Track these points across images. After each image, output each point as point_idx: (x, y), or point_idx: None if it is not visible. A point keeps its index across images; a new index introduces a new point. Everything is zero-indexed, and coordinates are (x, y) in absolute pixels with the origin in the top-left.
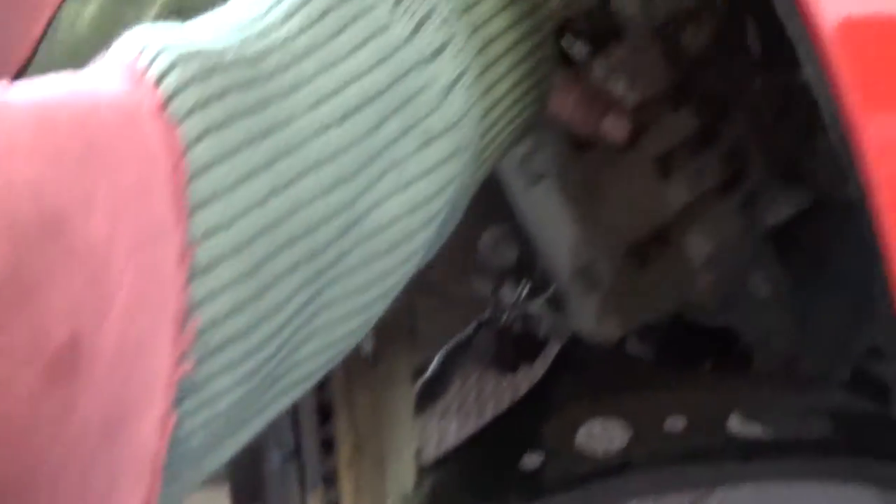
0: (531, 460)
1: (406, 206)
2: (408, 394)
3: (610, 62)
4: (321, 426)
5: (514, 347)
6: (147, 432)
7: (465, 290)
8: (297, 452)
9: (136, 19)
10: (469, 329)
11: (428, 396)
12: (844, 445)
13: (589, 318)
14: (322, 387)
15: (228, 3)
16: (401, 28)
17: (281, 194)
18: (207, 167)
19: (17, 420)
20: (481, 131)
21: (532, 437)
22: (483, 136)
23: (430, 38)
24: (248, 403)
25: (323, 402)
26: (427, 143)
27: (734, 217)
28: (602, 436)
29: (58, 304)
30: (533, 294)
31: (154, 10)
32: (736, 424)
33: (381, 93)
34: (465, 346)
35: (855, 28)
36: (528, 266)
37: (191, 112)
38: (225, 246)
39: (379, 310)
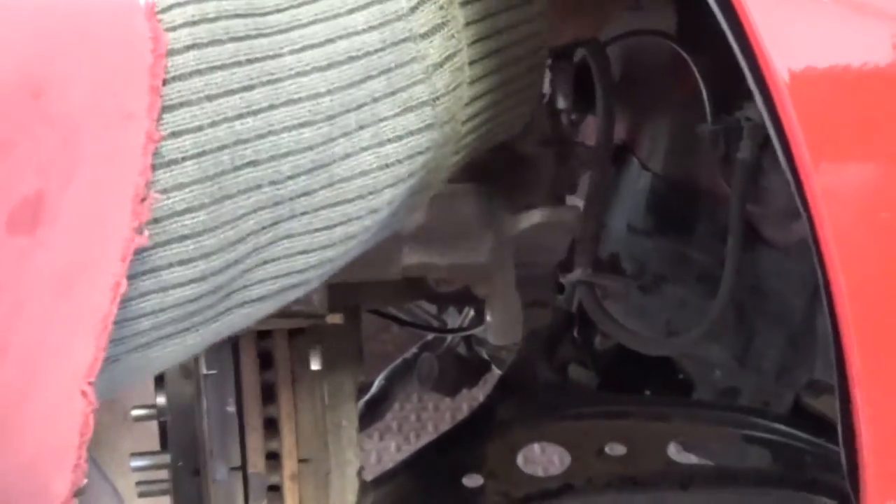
0: (471, 481)
1: (378, 162)
2: (353, 411)
3: None
4: (266, 440)
5: (457, 370)
6: (100, 294)
7: (410, 312)
8: (242, 466)
9: None
10: (412, 350)
11: (370, 415)
12: (782, 477)
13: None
14: (268, 401)
15: None
16: (403, 2)
17: (253, 117)
18: (185, 77)
19: None
20: (465, 117)
21: (473, 459)
22: (466, 121)
23: (426, 17)
24: (198, 308)
25: (269, 417)
26: (408, 109)
27: None
28: (542, 459)
29: (28, 160)
30: (478, 319)
31: None
32: (675, 453)
33: (369, 54)
34: (408, 368)
35: (807, 79)
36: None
37: (181, 26)
38: (190, 147)
39: (338, 255)
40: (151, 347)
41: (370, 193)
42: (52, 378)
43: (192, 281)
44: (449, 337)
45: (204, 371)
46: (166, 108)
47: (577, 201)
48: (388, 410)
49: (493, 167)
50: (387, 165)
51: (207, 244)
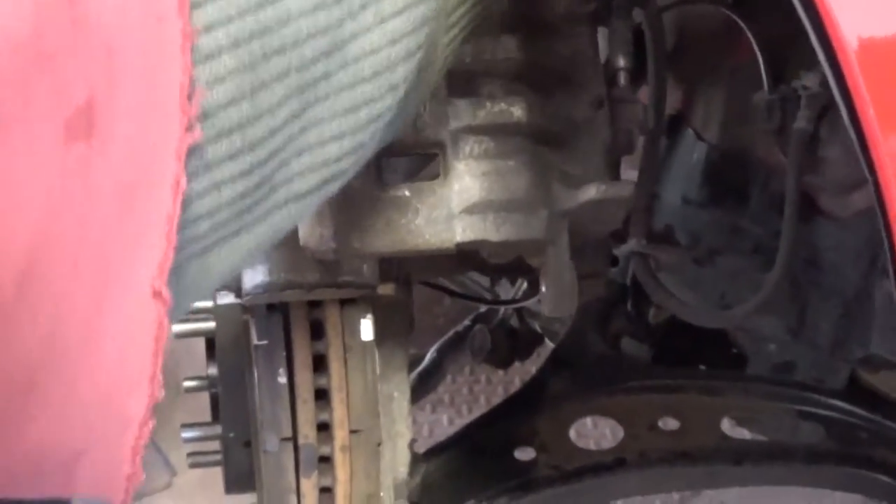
0: (523, 454)
1: (386, 38)
2: (404, 382)
3: None
4: (317, 411)
5: (509, 343)
6: (162, 195)
7: (462, 284)
8: (293, 437)
9: None
10: (465, 323)
11: (421, 388)
12: (835, 453)
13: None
14: (319, 372)
15: None
16: None
17: (272, 6)
18: None
19: (41, 177)
20: (449, 8)
21: (524, 432)
22: (450, 13)
23: None
24: (249, 205)
25: (319, 387)
26: None
27: None
28: (594, 433)
29: (75, 69)
30: (530, 290)
31: None
32: (728, 428)
33: None
34: (460, 340)
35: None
36: (527, 263)
37: None
38: (224, 39)
39: (368, 138)
40: (210, 253)
41: (386, 70)
42: (125, 287)
43: (241, 175)
44: (501, 309)
45: (255, 341)
46: (194, 6)
47: (632, 174)
48: (439, 383)
49: (548, 136)
50: (394, 41)
51: (252, 135)
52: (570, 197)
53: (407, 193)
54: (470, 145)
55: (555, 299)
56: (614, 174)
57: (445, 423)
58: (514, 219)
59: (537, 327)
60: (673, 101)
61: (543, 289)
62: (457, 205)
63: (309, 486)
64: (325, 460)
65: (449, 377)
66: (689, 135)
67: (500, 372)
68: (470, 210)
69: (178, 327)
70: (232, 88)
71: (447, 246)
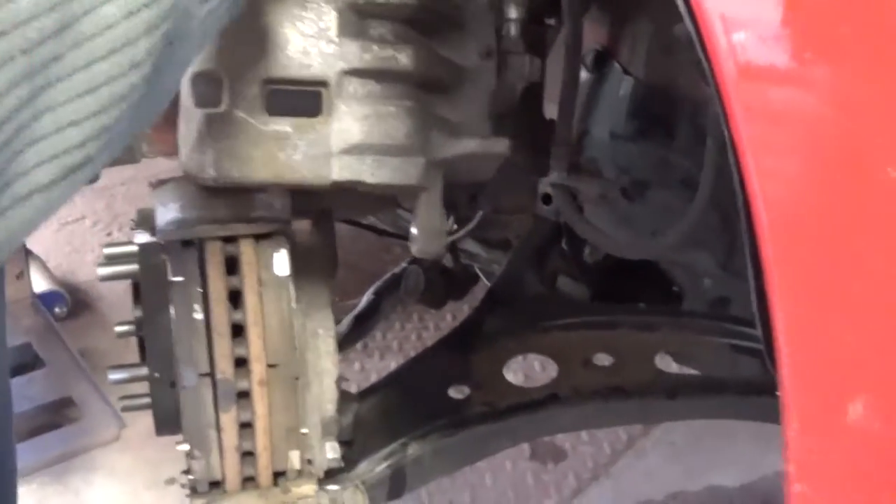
0: (458, 392)
1: (122, 11)
2: (328, 319)
3: None
4: (234, 346)
5: (444, 283)
6: None
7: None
8: (211, 372)
9: None
10: (402, 265)
11: (358, 329)
12: (771, 386)
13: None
14: (235, 307)
15: None
16: None
17: None
18: None
19: None
20: None
21: (459, 370)
22: None
23: None
24: None
25: (236, 323)
26: None
27: None
28: (529, 371)
29: None
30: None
31: None
32: (665, 364)
33: None
34: (397, 282)
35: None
36: (452, 200)
37: None
38: None
39: (113, 120)
40: None
41: (124, 46)
42: None
43: None
44: None
45: (171, 278)
46: None
47: (552, 109)
48: (377, 325)
49: (433, 83)
50: (130, 13)
51: None
52: (448, 146)
53: (288, 129)
54: (354, 86)
55: (423, 240)
56: (494, 124)
57: (379, 363)
58: (390, 163)
59: (475, 268)
60: (599, 37)
61: (413, 230)
62: (335, 144)
63: (228, 420)
64: (244, 395)
65: (397, 325)
66: (615, 70)
67: (449, 318)
68: (348, 151)
69: (102, 270)
70: None
71: (323, 183)
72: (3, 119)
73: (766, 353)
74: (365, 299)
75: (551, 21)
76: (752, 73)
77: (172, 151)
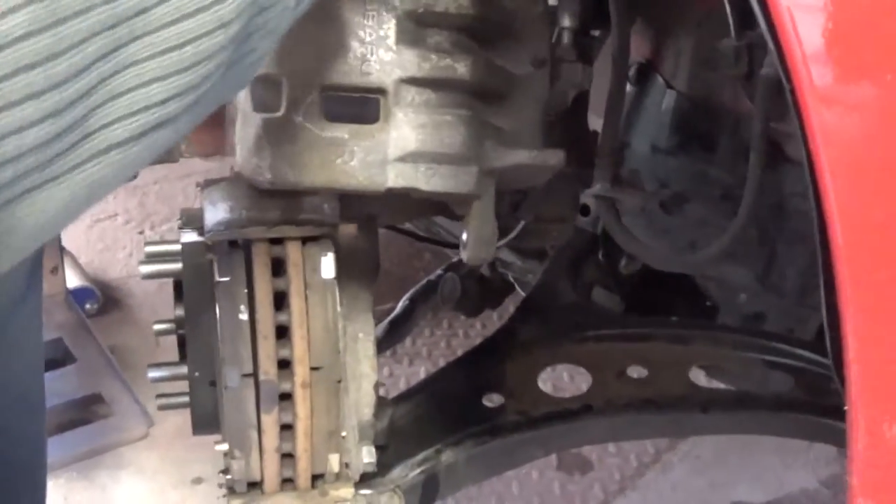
0: (491, 401)
1: None
2: (369, 323)
3: None
4: (278, 347)
5: (480, 291)
6: None
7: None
8: (254, 373)
9: None
10: (437, 272)
11: (392, 335)
12: (803, 402)
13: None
14: (280, 308)
15: None
16: None
17: None
18: None
19: None
20: None
21: (493, 379)
22: None
23: None
24: (59, 151)
25: (280, 324)
26: None
27: None
28: (563, 382)
29: None
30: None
31: None
32: (697, 377)
33: None
34: (432, 289)
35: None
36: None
37: None
38: None
39: (197, 79)
40: (18, 203)
41: (213, 3)
42: None
43: (47, 116)
44: None
45: (217, 278)
46: None
47: (597, 122)
48: (411, 331)
49: (488, 91)
50: None
51: (56, 72)
52: (501, 156)
53: (345, 135)
54: (412, 95)
55: (474, 247)
56: (546, 133)
57: (422, 375)
58: (445, 171)
59: (510, 277)
60: (643, 50)
61: (464, 236)
62: (392, 151)
63: (270, 421)
64: (286, 397)
65: (427, 331)
66: (658, 83)
67: (478, 325)
68: (404, 158)
69: (145, 268)
70: (28, 20)
71: (378, 189)
72: (83, 68)
73: (834, 368)
74: (400, 305)
75: (596, 32)
76: (832, 97)
77: (210, 152)
